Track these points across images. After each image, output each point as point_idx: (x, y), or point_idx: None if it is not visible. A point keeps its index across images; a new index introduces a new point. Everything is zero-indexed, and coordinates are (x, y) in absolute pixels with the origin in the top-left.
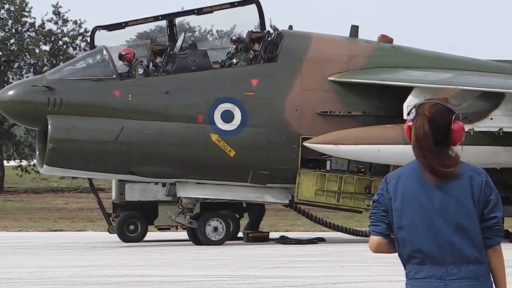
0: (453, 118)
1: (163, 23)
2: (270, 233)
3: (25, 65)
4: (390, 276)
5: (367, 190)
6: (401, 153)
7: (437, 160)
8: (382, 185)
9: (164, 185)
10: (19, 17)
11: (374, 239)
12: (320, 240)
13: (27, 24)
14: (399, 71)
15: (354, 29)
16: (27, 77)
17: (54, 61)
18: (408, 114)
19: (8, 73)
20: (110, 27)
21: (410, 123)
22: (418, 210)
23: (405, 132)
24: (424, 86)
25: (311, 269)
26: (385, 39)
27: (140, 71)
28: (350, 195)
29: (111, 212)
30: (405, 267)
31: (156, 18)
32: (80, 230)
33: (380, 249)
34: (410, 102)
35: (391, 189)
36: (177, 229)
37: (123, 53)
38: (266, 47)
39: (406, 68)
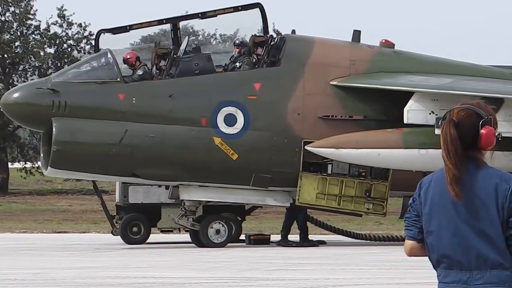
0: (480, 122)
1: (167, 26)
2: (272, 235)
3: (30, 68)
4: (389, 279)
5: (367, 194)
6: (401, 157)
7: (458, 173)
8: (417, 189)
9: (167, 187)
10: (24, 19)
11: (408, 243)
12: (321, 243)
13: (32, 27)
14: (400, 76)
15: (356, 34)
16: (32, 79)
17: (59, 64)
18: (443, 119)
19: (13, 75)
20: (115, 31)
21: None
22: (444, 216)
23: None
24: (425, 91)
25: (312, 272)
26: (387, 44)
27: (140, 72)
28: (351, 198)
29: (115, 214)
30: (435, 270)
31: (160, 22)
32: (83, 232)
33: (413, 253)
34: (410, 106)
35: (423, 194)
36: (180, 232)
37: (127, 57)
38: (269, 51)
39: (407, 73)
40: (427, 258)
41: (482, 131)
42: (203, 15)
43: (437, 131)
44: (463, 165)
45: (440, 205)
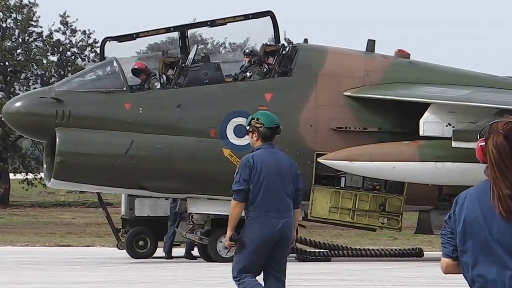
0: None
1: (175, 34)
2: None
3: (32, 76)
4: None
5: (382, 208)
6: (416, 170)
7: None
8: (453, 205)
9: (174, 200)
10: (26, 26)
11: (443, 260)
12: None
13: (35, 34)
14: (416, 87)
15: (371, 44)
16: (34, 88)
17: (62, 72)
18: (479, 133)
19: (15, 84)
20: (121, 38)
21: (483, 143)
22: (477, 235)
23: (477, 153)
24: (441, 102)
25: None
26: (402, 54)
27: (158, 85)
28: (365, 212)
29: (120, 227)
30: None
31: (168, 30)
32: (88, 246)
33: (449, 271)
34: (426, 118)
35: (458, 211)
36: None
37: (139, 67)
38: (280, 60)
39: (423, 84)
40: (443, 275)
41: None
42: (212, 23)
43: (454, 144)
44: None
45: (473, 224)
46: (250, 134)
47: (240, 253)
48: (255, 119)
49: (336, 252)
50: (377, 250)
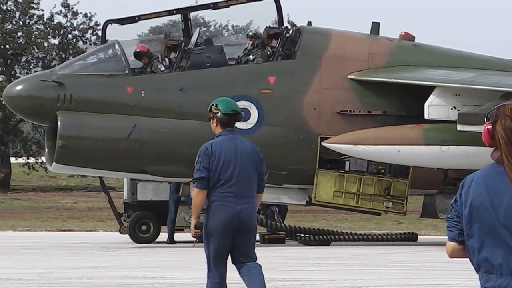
0: None
1: (177, 17)
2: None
3: (33, 59)
4: (409, 280)
5: (387, 192)
6: (421, 154)
7: None
8: (459, 189)
9: (172, 184)
10: (27, 9)
11: (449, 244)
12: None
13: (35, 17)
14: (421, 70)
15: (375, 26)
16: (35, 71)
17: (63, 55)
18: (486, 116)
19: (16, 67)
20: (123, 21)
21: (489, 126)
22: (484, 219)
23: (484, 136)
24: (446, 85)
25: (329, 272)
26: (407, 37)
27: (162, 68)
28: (369, 196)
29: (123, 212)
30: (477, 273)
31: (170, 12)
32: (90, 230)
33: (454, 255)
34: (431, 101)
35: (464, 195)
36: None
37: (141, 51)
38: (284, 43)
39: (428, 67)
40: (448, 259)
41: None
42: (215, 6)
43: (460, 127)
44: None
45: (479, 207)
46: (211, 120)
47: (205, 240)
48: (214, 105)
49: (323, 237)
50: (366, 234)
